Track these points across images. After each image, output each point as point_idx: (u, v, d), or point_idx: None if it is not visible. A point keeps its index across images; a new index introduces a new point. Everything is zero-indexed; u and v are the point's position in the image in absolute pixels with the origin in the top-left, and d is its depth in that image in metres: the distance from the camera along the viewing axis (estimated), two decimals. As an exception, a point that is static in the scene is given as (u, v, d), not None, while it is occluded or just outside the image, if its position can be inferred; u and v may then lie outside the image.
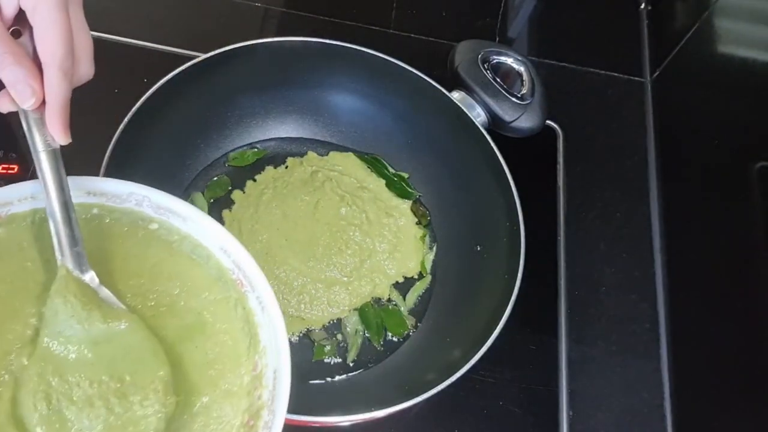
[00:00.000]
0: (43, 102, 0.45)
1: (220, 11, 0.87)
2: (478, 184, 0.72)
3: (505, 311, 0.61)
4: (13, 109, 0.46)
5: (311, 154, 0.78)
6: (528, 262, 0.64)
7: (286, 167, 0.77)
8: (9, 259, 0.48)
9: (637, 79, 0.92)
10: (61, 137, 0.46)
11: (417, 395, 0.57)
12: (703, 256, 0.75)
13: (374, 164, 0.78)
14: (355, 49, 0.72)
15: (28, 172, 0.71)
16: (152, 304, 0.50)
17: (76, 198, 0.49)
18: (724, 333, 0.69)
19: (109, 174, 0.60)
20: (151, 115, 0.65)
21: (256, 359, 0.49)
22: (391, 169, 0.78)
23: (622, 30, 0.96)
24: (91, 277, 0.48)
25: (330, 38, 0.71)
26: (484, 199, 0.71)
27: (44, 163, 0.46)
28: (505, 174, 0.68)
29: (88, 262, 0.47)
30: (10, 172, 0.71)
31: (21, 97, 0.44)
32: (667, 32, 0.91)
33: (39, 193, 0.48)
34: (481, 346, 0.59)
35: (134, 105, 0.64)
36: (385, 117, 0.77)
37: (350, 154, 0.79)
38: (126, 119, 0.63)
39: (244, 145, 0.78)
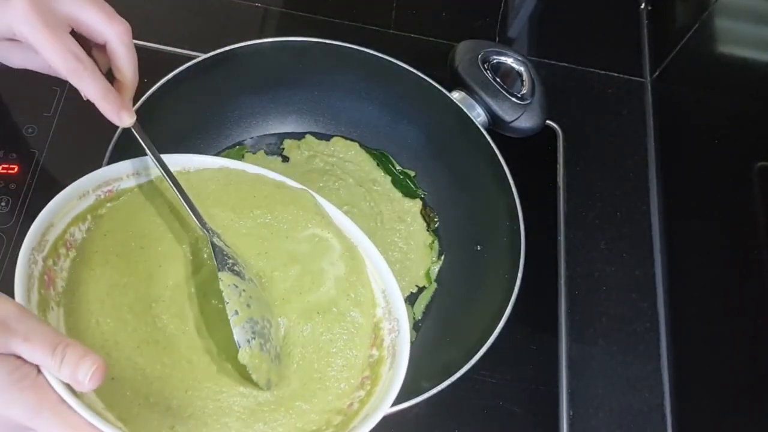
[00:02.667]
0: None
1: (220, 11, 0.87)
2: (478, 184, 0.72)
3: (505, 311, 0.61)
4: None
5: (310, 138, 0.77)
6: (528, 262, 0.64)
7: (282, 149, 0.76)
8: (138, 219, 0.56)
9: (637, 78, 0.92)
10: (115, 122, 0.54)
11: (416, 395, 0.57)
12: (704, 256, 0.75)
13: (381, 159, 0.77)
14: (355, 49, 0.71)
15: (28, 172, 0.71)
16: (283, 228, 0.59)
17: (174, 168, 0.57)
18: (724, 333, 0.69)
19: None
20: (151, 115, 0.65)
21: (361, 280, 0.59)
22: (398, 166, 0.78)
23: (622, 30, 0.96)
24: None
25: (330, 38, 0.71)
26: (484, 199, 0.71)
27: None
28: (505, 174, 0.68)
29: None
30: (10, 172, 0.71)
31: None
32: (667, 32, 0.91)
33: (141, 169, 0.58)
34: (481, 346, 0.59)
35: (134, 105, 0.64)
36: (384, 117, 0.77)
37: (355, 143, 0.77)
38: (126, 119, 0.63)
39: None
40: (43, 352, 0.42)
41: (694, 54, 0.85)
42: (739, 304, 0.67)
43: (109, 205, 0.55)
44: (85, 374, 0.42)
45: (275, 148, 0.77)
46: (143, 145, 0.55)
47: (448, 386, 0.57)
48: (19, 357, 0.42)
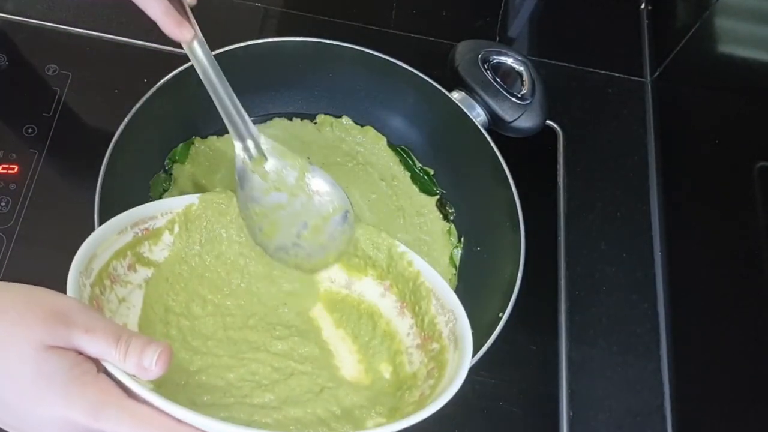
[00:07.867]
0: None
1: (220, 11, 0.87)
2: (478, 184, 0.72)
3: (505, 311, 0.61)
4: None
5: (347, 119, 0.77)
6: (528, 262, 0.64)
7: (315, 122, 0.77)
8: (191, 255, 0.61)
9: (637, 78, 0.92)
10: (177, 36, 0.55)
11: (417, 395, 0.57)
12: (704, 256, 0.75)
13: (402, 155, 0.77)
14: (355, 49, 0.71)
15: (28, 172, 0.71)
16: None
17: None
18: (724, 333, 0.69)
19: (108, 172, 0.61)
20: (151, 115, 0.65)
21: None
22: (418, 164, 0.77)
23: (622, 30, 0.96)
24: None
25: (330, 38, 0.71)
26: (484, 199, 0.71)
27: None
28: (506, 174, 0.68)
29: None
30: (9, 172, 0.71)
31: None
32: (667, 32, 0.91)
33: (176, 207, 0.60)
34: (481, 347, 0.59)
35: (134, 105, 0.64)
36: (384, 117, 0.77)
37: (384, 138, 0.77)
38: (126, 119, 0.63)
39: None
40: (107, 342, 0.40)
41: (695, 54, 0.85)
42: (739, 304, 0.67)
43: (148, 246, 0.58)
44: (151, 359, 0.40)
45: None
46: (203, 62, 0.57)
47: (448, 386, 0.57)
48: (79, 353, 0.41)
